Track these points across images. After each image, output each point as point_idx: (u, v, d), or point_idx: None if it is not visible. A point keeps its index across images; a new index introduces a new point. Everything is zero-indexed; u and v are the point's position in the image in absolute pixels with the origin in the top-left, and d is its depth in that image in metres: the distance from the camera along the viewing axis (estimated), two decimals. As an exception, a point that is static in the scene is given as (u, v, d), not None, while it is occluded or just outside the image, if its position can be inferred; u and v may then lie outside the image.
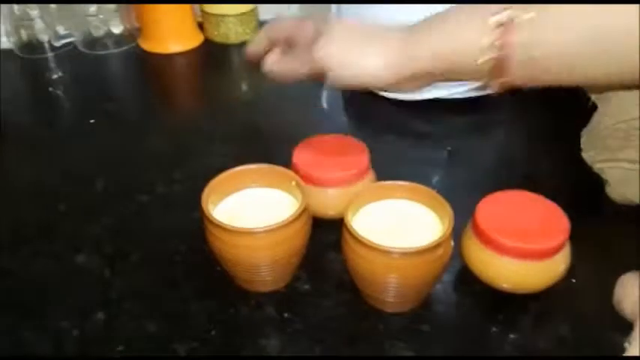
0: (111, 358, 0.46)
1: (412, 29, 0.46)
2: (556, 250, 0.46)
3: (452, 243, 0.46)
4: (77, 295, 0.51)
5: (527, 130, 0.73)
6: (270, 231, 0.45)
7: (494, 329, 0.47)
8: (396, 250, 0.43)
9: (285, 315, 0.48)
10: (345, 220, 0.45)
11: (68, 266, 0.54)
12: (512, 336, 0.47)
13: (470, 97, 0.74)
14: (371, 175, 0.55)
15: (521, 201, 0.49)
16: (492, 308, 0.49)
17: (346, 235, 0.46)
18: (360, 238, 0.44)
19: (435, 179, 0.65)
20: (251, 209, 0.49)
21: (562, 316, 0.49)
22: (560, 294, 0.49)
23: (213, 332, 0.47)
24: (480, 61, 0.41)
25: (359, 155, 0.55)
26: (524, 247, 0.45)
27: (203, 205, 0.47)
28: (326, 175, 0.53)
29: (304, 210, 0.47)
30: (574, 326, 0.48)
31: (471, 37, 0.41)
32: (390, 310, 0.48)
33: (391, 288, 0.45)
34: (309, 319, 0.48)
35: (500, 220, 0.47)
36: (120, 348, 0.47)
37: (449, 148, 0.68)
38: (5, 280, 0.53)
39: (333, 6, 0.88)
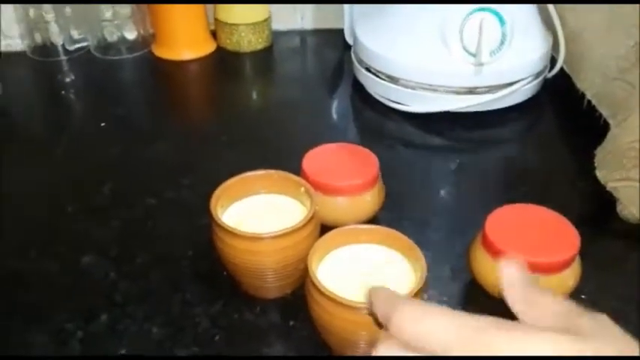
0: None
1: None
2: (565, 265, 0.45)
3: (425, 296, 0.44)
4: (82, 297, 0.51)
5: (539, 146, 0.73)
6: (278, 237, 0.45)
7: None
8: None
9: (291, 322, 0.48)
10: (310, 270, 0.41)
11: (74, 268, 0.54)
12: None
13: (481, 111, 0.74)
14: (380, 184, 0.55)
15: (532, 215, 0.48)
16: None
17: (311, 288, 0.42)
18: (326, 292, 0.40)
19: (443, 192, 0.65)
20: (259, 215, 0.49)
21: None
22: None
23: (216, 337, 0.47)
24: None
25: (368, 164, 0.55)
26: (534, 260, 0.44)
27: (212, 208, 0.46)
28: (335, 183, 0.53)
29: (312, 217, 0.46)
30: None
31: None
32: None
33: (362, 344, 0.41)
34: (314, 328, 0.48)
35: (509, 233, 0.46)
36: (123, 351, 0.46)
37: (457, 161, 0.68)
38: (12, 281, 0.53)
39: (346, 7, 0.89)
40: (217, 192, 0.48)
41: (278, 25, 0.95)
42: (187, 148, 0.71)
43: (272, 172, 0.51)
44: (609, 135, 0.61)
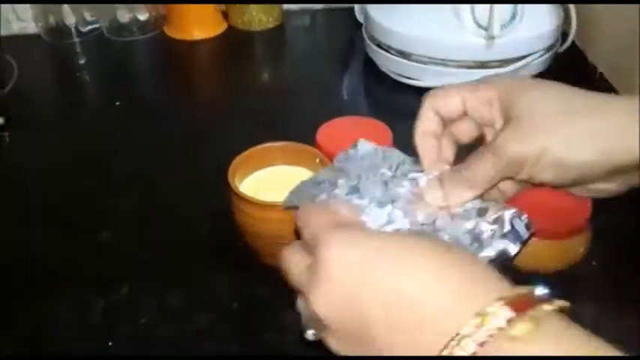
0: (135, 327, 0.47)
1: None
2: (576, 231, 0.46)
3: None
4: (102, 269, 0.52)
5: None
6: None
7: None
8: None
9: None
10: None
11: (94, 241, 0.55)
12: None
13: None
14: (393, 155, 0.56)
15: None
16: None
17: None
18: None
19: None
20: (276, 185, 0.50)
21: (582, 299, 0.49)
22: (581, 276, 0.49)
23: (234, 305, 0.48)
24: None
25: (382, 136, 0.55)
26: (544, 226, 0.45)
27: (230, 178, 0.47)
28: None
29: (328, 186, 0.47)
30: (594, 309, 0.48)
31: None
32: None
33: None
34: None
35: (522, 199, 0.47)
36: (143, 320, 0.48)
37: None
38: (33, 254, 0.54)
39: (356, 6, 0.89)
40: (235, 162, 0.49)
41: (288, 4, 0.96)
42: (201, 125, 0.72)
43: (288, 143, 0.52)
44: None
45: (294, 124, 0.70)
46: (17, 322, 0.48)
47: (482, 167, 0.37)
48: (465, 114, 0.40)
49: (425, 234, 0.36)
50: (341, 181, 0.40)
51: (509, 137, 0.36)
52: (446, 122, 0.41)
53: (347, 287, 0.29)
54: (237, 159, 0.49)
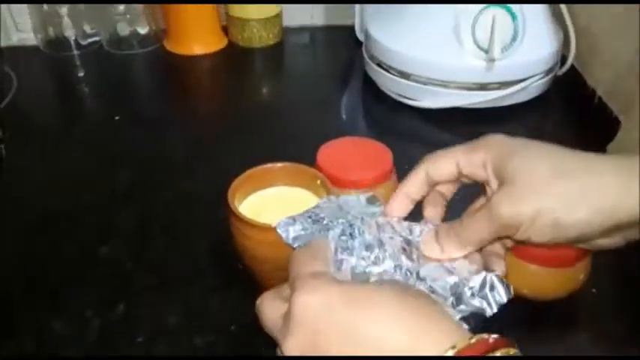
0: (131, 347, 0.46)
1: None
2: (577, 259, 0.46)
3: None
4: (101, 285, 0.52)
5: (550, 141, 0.73)
6: (294, 228, 0.45)
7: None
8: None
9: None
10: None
11: (93, 257, 0.55)
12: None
13: (492, 107, 0.74)
14: (394, 177, 0.56)
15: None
16: (513, 314, 0.49)
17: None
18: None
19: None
20: (276, 206, 0.50)
21: (582, 326, 0.49)
22: (581, 303, 0.49)
23: (232, 327, 0.48)
24: None
25: (382, 158, 0.55)
26: (547, 254, 0.45)
27: (229, 200, 0.47)
28: (350, 176, 0.53)
29: (328, 209, 0.47)
30: (594, 335, 0.48)
31: None
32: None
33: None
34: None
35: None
36: (140, 339, 0.47)
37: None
38: (32, 268, 0.54)
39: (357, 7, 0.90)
40: (235, 184, 0.48)
41: (289, 22, 0.96)
42: (200, 141, 0.72)
43: (288, 164, 0.51)
44: (620, 131, 0.61)
45: (293, 142, 0.70)
46: (17, 337, 0.47)
47: (476, 228, 0.37)
48: (458, 176, 0.41)
49: (396, 281, 0.37)
50: (339, 221, 0.41)
51: (503, 200, 0.36)
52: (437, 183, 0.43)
53: (314, 331, 0.31)
54: (237, 180, 0.49)
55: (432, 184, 0.42)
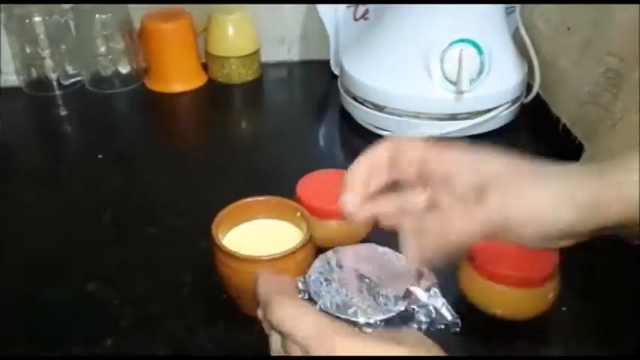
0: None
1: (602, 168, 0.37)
2: (546, 279, 0.48)
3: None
4: (88, 322, 0.53)
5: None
6: (276, 259, 0.47)
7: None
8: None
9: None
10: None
11: (79, 295, 0.56)
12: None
13: (462, 136, 0.77)
14: (371, 207, 0.58)
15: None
16: (487, 334, 0.51)
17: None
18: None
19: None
20: (258, 239, 0.52)
21: (554, 343, 0.51)
22: (551, 321, 0.52)
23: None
24: None
25: (359, 189, 0.58)
26: (517, 275, 0.47)
27: (213, 233, 0.49)
28: (328, 207, 0.56)
29: (309, 240, 0.49)
30: (565, 352, 0.50)
31: None
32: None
33: None
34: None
35: (494, 250, 0.49)
36: (128, 373, 0.48)
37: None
38: (19, 307, 0.55)
39: (331, 39, 0.93)
40: (218, 217, 0.50)
41: (266, 57, 0.99)
42: (182, 177, 0.74)
43: (269, 198, 0.54)
44: (583, 156, 0.65)
45: (273, 175, 0.72)
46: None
47: (466, 226, 0.36)
48: (421, 168, 0.40)
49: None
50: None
51: (500, 197, 0.36)
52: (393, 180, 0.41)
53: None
54: (221, 213, 0.51)
55: (393, 174, 0.41)
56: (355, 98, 0.81)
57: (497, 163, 0.38)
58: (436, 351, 0.36)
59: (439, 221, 0.38)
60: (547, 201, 0.36)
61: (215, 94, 0.94)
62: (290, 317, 0.36)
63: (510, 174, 0.37)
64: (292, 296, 0.40)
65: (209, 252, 0.51)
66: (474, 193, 0.37)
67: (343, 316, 0.39)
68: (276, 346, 0.38)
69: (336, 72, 0.93)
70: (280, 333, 0.37)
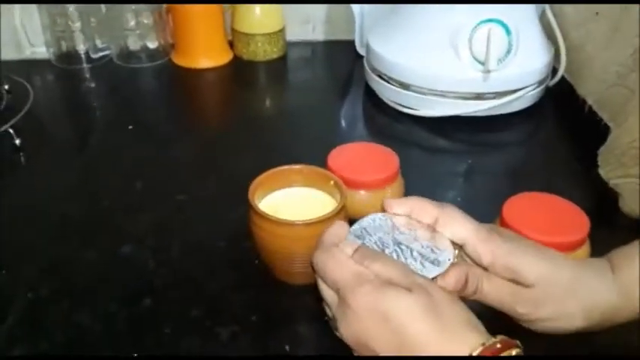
0: (158, 339, 0.49)
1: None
2: (577, 245, 0.49)
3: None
4: (124, 283, 0.55)
5: (543, 148, 0.78)
6: (311, 224, 0.49)
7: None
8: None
9: (322, 305, 0.51)
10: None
11: (114, 258, 0.57)
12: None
13: (487, 116, 0.78)
14: (400, 179, 0.59)
15: (545, 201, 0.53)
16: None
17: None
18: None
19: (453, 192, 0.69)
20: (292, 205, 0.53)
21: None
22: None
23: (253, 318, 0.51)
24: None
25: (389, 160, 0.59)
26: (549, 240, 0.48)
27: (250, 197, 0.50)
28: (359, 177, 0.57)
29: (342, 207, 0.50)
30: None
31: None
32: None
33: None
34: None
35: (525, 217, 0.50)
36: (167, 330, 0.50)
37: (470, 161, 0.72)
38: (57, 269, 0.56)
39: (357, 18, 0.94)
40: (255, 183, 0.52)
41: (290, 37, 1.00)
42: (209, 150, 0.75)
43: (304, 166, 0.55)
44: (611, 136, 0.65)
45: (298, 150, 0.73)
46: (48, 333, 0.50)
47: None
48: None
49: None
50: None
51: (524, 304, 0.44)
52: None
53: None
54: (257, 179, 0.52)
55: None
56: (381, 76, 0.82)
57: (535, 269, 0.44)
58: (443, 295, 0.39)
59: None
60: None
61: (240, 71, 0.95)
62: (328, 260, 0.41)
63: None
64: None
65: (239, 221, 0.53)
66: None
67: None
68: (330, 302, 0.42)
69: (361, 52, 0.94)
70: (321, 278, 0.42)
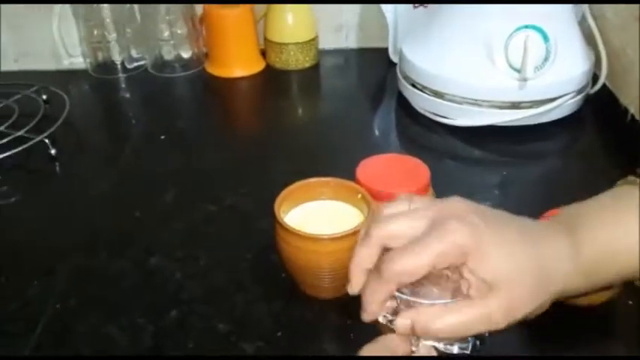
0: (184, 354, 0.49)
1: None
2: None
3: None
4: (151, 295, 0.55)
5: (582, 159, 0.75)
6: (337, 238, 0.48)
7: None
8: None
9: (348, 321, 0.51)
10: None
11: (143, 268, 0.58)
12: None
13: (524, 125, 0.76)
14: (431, 192, 0.58)
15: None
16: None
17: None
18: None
19: (488, 203, 0.67)
20: (318, 219, 0.52)
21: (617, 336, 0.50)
22: (617, 314, 0.50)
23: (279, 334, 0.50)
24: None
25: (419, 173, 0.57)
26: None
27: (276, 210, 0.50)
28: (388, 190, 0.56)
29: (369, 221, 0.49)
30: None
31: None
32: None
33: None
34: (371, 327, 0.50)
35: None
36: (191, 345, 0.50)
37: (505, 173, 0.70)
38: (86, 280, 0.57)
39: (390, 27, 0.92)
40: (281, 196, 0.51)
41: (323, 44, 0.99)
42: (241, 159, 0.75)
43: (331, 179, 0.54)
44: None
45: (330, 160, 0.73)
46: (75, 343, 0.50)
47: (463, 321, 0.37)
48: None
49: None
50: None
51: (499, 309, 0.37)
52: None
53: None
54: (283, 192, 0.52)
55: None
56: (414, 85, 0.81)
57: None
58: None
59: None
60: None
61: (273, 80, 0.95)
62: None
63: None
64: None
65: (268, 232, 0.52)
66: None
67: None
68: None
69: (395, 59, 0.93)
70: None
